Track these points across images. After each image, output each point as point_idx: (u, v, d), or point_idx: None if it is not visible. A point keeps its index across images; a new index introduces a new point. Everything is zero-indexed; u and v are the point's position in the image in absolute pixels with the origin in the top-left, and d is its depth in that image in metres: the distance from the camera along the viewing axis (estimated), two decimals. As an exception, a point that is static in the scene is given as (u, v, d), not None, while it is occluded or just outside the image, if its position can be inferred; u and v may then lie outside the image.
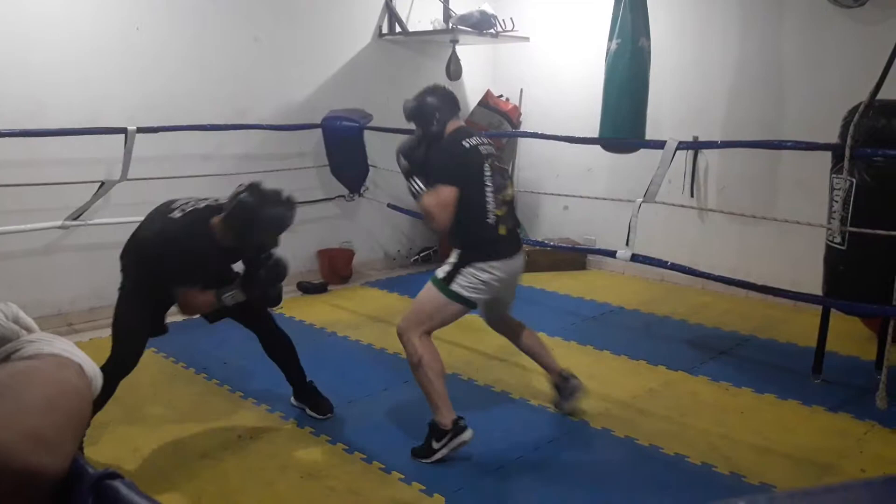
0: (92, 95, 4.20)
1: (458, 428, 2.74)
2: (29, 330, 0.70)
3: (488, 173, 2.73)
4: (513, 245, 2.83)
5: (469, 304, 2.80)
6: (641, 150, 4.24)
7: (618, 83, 4.21)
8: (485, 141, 2.82)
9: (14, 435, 0.54)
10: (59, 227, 4.06)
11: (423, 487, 2.59)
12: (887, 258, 3.13)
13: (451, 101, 2.91)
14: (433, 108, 2.88)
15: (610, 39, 4.23)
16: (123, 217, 4.29)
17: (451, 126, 2.85)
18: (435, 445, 2.74)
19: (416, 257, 5.96)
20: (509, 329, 3.17)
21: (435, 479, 2.64)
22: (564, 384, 3.13)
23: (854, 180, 3.13)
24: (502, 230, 2.76)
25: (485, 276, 2.74)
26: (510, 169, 6.23)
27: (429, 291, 2.81)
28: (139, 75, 4.37)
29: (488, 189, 2.72)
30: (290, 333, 4.08)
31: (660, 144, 3.67)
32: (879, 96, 3.15)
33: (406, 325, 2.79)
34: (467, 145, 2.75)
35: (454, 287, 2.74)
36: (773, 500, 0.41)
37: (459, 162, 2.73)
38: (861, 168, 3.12)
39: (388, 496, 2.55)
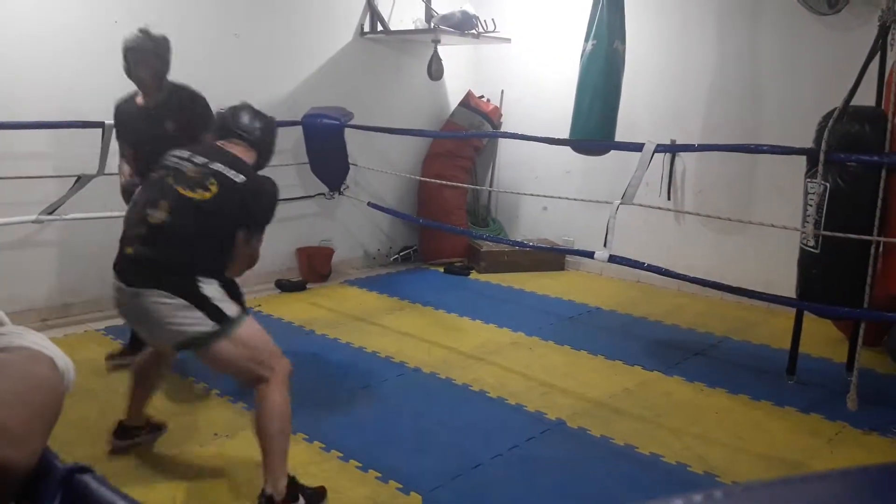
0: (69, 89, 4.14)
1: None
2: (0, 323, 0.70)
3: (148, 184, 2.46)
4: (132, 273, 2.31)
5: None
6: (619, 153, 4.27)
7: (591, 85, 4.23)
8: (188, 156, 2.43)
9: None
10: (34, 222, 4.00)
11: (400, 486, 2.59)
12: (859, 262, 3.18)
13: (221, 116, 2.65)
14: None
15: (586, 41, 4.26)
16: (99, 212, 4.24)
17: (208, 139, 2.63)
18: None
19: (396, 256, 5.95)
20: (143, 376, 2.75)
21: (412, 477, 2.64)
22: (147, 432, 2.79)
23: (828, 185, 3.18)
24: (129, 250, 2.33)
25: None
26: (491, 170, 6.25)
27: None
28: (117, 69, 4.30)
29: (139, 200, 2.40)
30: (269, 331, 4.08)
31: (638, 147, 3.69)
32: (853, 102, 3.21)
33: None
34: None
35: None
36: (749, 489, 0.42)
37: None
38: (835, 173, 3.17)
39: (364, 494, 2.54)
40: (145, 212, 2.32)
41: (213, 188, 2.32)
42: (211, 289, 2.28)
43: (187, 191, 2.31)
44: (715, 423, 3.16)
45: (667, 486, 2.64)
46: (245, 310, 2.37)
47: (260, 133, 2.56)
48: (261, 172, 2.53)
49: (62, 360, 0.67)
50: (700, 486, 2.78)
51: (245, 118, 2.55)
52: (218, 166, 2.37)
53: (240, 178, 2.37)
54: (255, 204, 2.39)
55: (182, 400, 3.28)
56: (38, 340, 0.67)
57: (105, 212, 4.23)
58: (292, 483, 2.33)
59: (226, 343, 2.25)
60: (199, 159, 2.40)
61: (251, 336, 2.34)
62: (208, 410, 3.17)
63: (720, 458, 2.85)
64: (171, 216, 2.29)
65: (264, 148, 2.59)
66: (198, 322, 2.23)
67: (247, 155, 2.51)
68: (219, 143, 2.52)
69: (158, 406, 3.19)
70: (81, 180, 4.05)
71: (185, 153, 2.44)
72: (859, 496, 0.44)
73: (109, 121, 4.02)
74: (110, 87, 4.28)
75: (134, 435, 2.78)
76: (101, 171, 4.08)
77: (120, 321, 3.92)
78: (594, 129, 4.25)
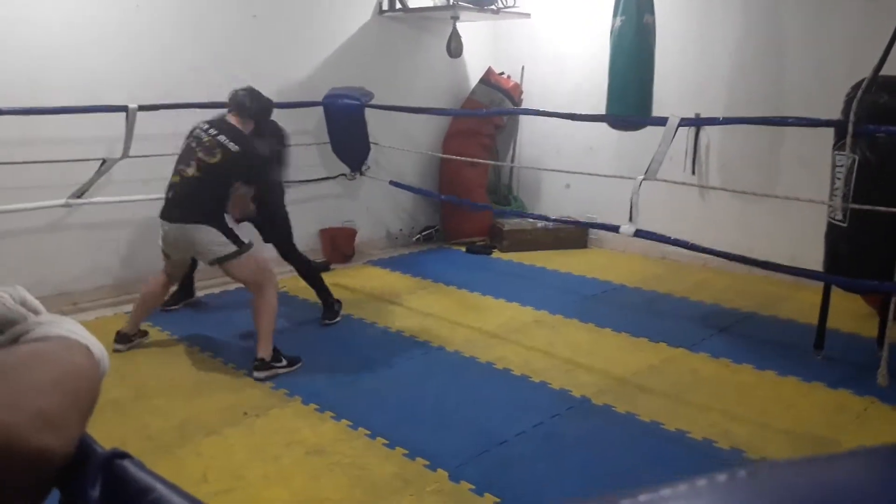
0: (91, 73, 4.18)
1: (122, 337, 3.62)
2: (35, 312, 0.71)
3: (182, 147, 3.47)
4: (173, 213, 3.39)
5: (163, 251, 3.55)
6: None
7: (623, 60, 4.18)
8: (208, 128, 3.43)
9: (19, 416, 0.54)
10: (63, 206, 4.06)
11: (427, 462, 2.62)
12: (888, 235, 3.13)
13: (233, 96, 3.57)
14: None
15: (615, 16, 4.19)
16: (126, 195, 4.30)
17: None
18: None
19: (419, 236, 5.96)
20: (164, 284, 3.70)
21: (438, 454, 2.67)
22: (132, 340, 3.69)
23: (856, 157, 3.12)
24: (170, 193, 3.42)
25: (160, 228, 3.47)
26: (512, 148, 6.22)
27: None
28: (139, 53, 4.35)
29: (179, 157, 3.45)
30: (293, 313, 4.13)
31: (662, 121, 3.65)
32: (882, 72, 3.13)
33: None
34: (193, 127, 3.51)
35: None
36: (773, 468, 0.42)
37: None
38: (863, 145, 3.11)
39: (391, 471, 2.58)
40: (181, 167, 3.40)
41: (219, 155, 3.35)
42: (230, 223, 3.41)
43: (204, 156, 3.36)
44: (741, 400, 3.15)
45: (693, 462, 2.64)
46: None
47: (255, 109, 3.53)
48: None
49: (97, 347, 0.68)
50: (726, 462, 2.79)
51: (245, 98, 3.52)
52: (222, 138, 3.38)
53: (236, 148, 3.38)
54: (245, 167, 3.43)
55: (212, 381, 3.33)
56: (74, 329, 0.68)
57: (131, 195, 4.29)
58: (276, 350, 3.38)
59: (241, 259, 3.37)
60: (213, 131, 3.41)
61: (256, 257, 3.47)
62: (238, 391, 3.22)
63: (746, 434, 2.84)
64: (200, 172, 3.35)
65: (260, 119, 3.58)
66: (224, 245, 3.34)
67: (244, 125, 3.49)
68: (228, 115, 3.52)
69: (189, 387, 3.25)
70: (107, 164, 4.10)
71: (206, 125, 3.46)
72: (888, 475, 0.43)
73: (133, 105, 4.07)
74: (133, 71, 4.33)
75: (131, 340, 3.65)
76: (125, 154, 4.12)
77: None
78: (631, 104, 4.21)
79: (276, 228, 4.05)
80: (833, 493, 0.40)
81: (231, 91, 3.58)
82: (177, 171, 3.41)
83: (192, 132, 3.48)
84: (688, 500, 0.38)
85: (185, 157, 3.42)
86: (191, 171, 3.36)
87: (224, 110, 3.60)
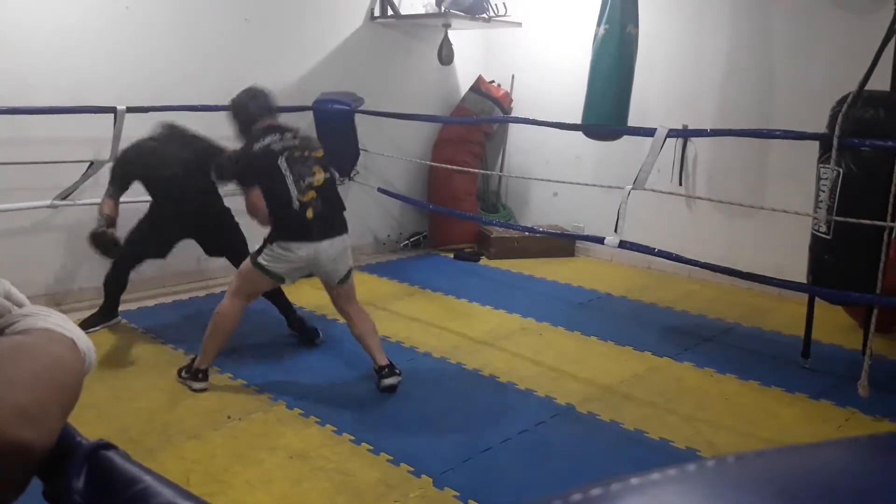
0: (80, 74, 4.16)
1: (201, 375, 3.21)
2: (19, 305, 0.70)
3: (284, 165, 3.05)
4: (323, 229, 3.09)
5: (272, 275, 3.16)
6: (630, 138, 4.24)
7: (604, 70, 4.20)
8: (280, 137, 3.11)
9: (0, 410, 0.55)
10: (48, 207, 4.03)
11: (412, 469, 2.61)
12: (872, 247, 3.16)
13: (257, 99, 3.25)
14: (238, 106, 3.27)
15: (598, 25, 4.22)
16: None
17: (261, 124, 3.20)
18: (189, 381, 3.23)
19: (407, 242, 5.96)
20: (346, 315, 3.34)
21: (422, 460, 2.66)
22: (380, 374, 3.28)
23: (841, 170, 3.16)
24: (309, 214, 3.05)
25: (282, 252, 3.08)
26: (501, 156, 6.24)
27: (244, 263, 3.23)
28: (128, 55, 4.33)
29: (288, 179, 3.04)
30: (279, 317, 4.10)
31: (650, 132, 3.68)
32: (868, 87, 3.17)
33: (229, 289, 3.25)
34: (256, 148, 3.08)
35: (259, 260, 3.12)
36: (760, 456, 0.43)
37: (244, 164, 3.13)
38: (848, 158, 3.15)
39: (376, 477, 2.57)
40: (306, 181, 3.07)
41: (320, 149, 3.21)
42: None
43: (317, 153, 3.17)
44: (725, 409, 3.16)
45: (676, 471, 2.64)
46: None
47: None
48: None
49: (83, 341, 0.68)
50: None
51: (272, 99, 3.31)
52: (302, 133, 3.25)
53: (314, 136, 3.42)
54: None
55: (195, 383, 3.31)
56: (61, 322, 0.68)
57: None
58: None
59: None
60: (289, 133, 3.17)
61: None
62: (222, 394, 3.20)
63: (729, 444, 2.86)
64: (326, 174, 3.15)
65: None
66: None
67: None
68: (264, 119, 3.22)
69: (171, 389, 3.23)
70: (94, 166, 4.07)
71: (277, 134, 3.13)
72: (869, 461, 0.45)
73: (121, 106, 4.04)
74: (122, 73, 4.31)
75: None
76: (112, 156, 4.09)
77: (132, 306, 3.98)
78: (607, 114, 4.23)
79: (226, 236, 3.81)
80: (816, 479, 0.40)
81: (245, 95, 3.28)
82: (305, 188, 3.05)
83: (268, 145, 3.08)
84: (679, 485, 0.39)
85: (299, 170, 3.06)
86: (319, 177, 3.10)
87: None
